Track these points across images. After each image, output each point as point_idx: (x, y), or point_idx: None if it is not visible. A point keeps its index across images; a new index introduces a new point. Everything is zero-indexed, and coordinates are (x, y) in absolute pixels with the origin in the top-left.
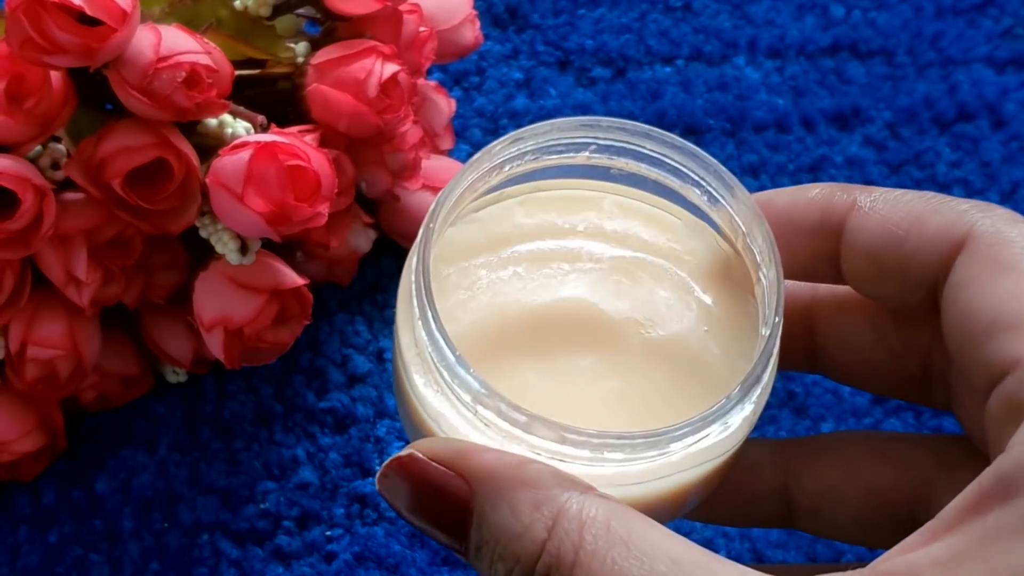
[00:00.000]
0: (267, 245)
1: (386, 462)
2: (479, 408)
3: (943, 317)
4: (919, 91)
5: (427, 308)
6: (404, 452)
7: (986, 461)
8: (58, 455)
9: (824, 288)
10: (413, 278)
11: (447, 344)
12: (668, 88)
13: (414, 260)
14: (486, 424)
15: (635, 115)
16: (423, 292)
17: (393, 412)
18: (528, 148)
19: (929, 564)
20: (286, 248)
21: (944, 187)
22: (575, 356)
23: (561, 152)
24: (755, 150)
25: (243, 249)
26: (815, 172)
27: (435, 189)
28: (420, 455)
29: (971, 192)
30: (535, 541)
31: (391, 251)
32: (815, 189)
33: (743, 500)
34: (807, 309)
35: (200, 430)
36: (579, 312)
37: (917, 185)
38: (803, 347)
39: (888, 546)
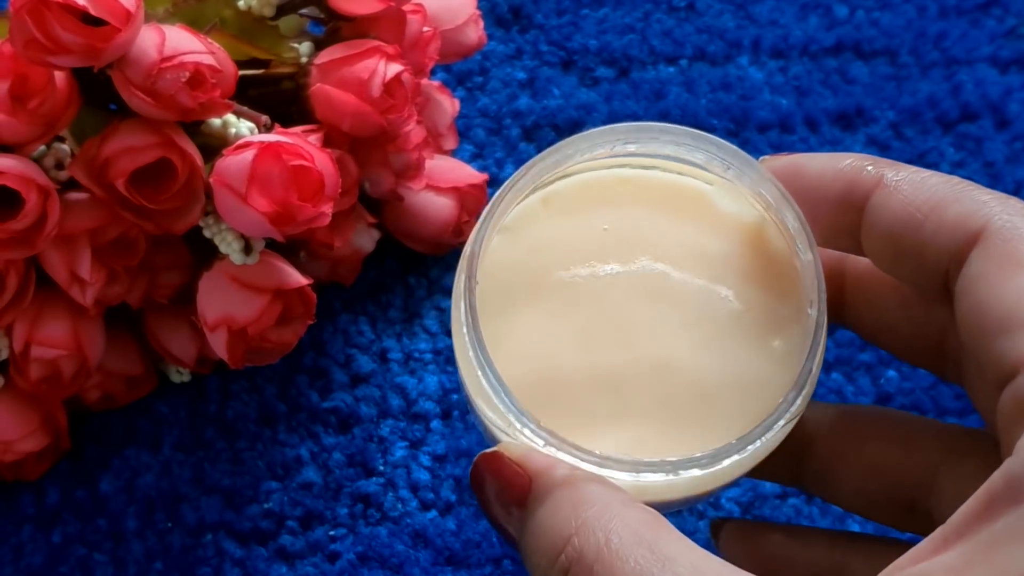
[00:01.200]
0: (271, 245)
1: (476, 457)
2: (552, 451)
3: (956, 308)
4: (923, 91)
5: (486, 366)
6: (491, 449)
7: (992, 452)
8: (62, 455)
9: None
10: (465, 331)
11: (512, 402)
12: (672, 88)
13: (462, 308)
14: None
15: (639, 115)
16: (479, 351)
17: (396, 411)
18: (547, 164)
19: (941, 572)
20: (290, 248)
21: None
22: (626, 372)
23: (583, 152)
24: (759, 150)
25: (247, 249)
26: None
27: (438, 189)
28: (503, 453)
29: None
30: (563, 536)
31: (395, 251)
32: (847, 159)
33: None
34: (840, 265)
35: (204, 430)
36: (620, 326)
37: None
38: (834, 302)
39: (884, 522)
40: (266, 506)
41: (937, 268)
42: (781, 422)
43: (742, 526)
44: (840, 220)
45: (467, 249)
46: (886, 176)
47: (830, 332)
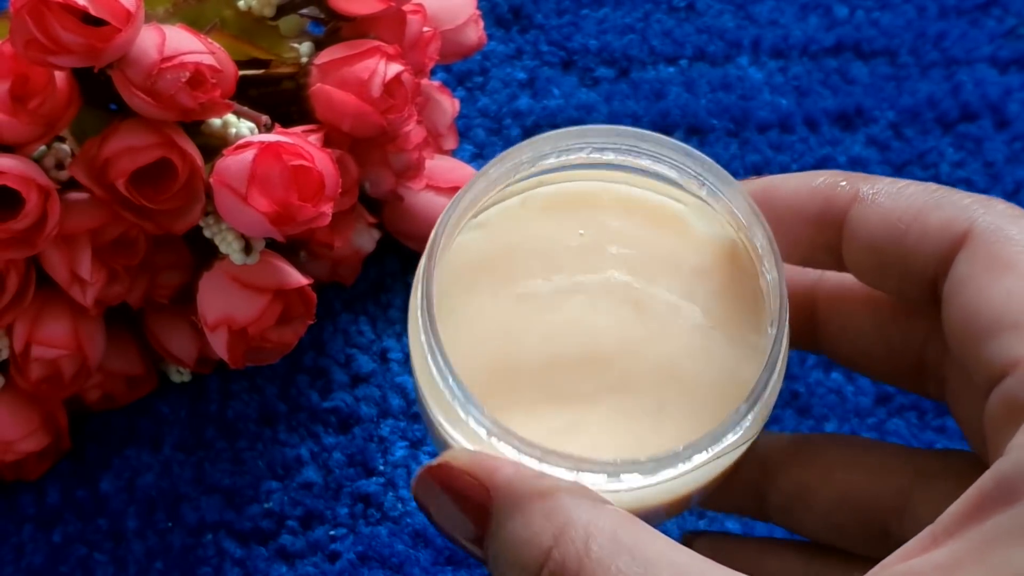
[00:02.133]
0: (271, 245)
1: (419, 469)
2: (493, 441)
3: (944, 314)
4: (922, 91)
5: (435, 348)
6: (436, 461)
7: (966, 473)
8: (62, 455)
9: (831, 273)
10: (419, 314)
11: (458, 385)
12: (672, 88)
13: (419, 291)
14: (503, 453)
15: (638, 115)
16: (430, 331)
17: (396, 411)
18: (524, 160)
19: (930, 569)
20: (290, 248)
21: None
22: (581, 377)
23: (558, 156)
24: (758, 150)
25: (247, 249)
26: None
27: (439, 189)
28: (451, 463)
29: (974, 192)
30: (541, 548)
31: (395, 251)
32: (819, 177)
33: (722, 489)
34: (812, 292)
35: (204, 430)
36: (582, 331)
37: None
38: (807, 328)
39: (856, 549)
40: (266, 506)
41: (923, 276)
42: (731, 435)
43: (714, 539)
44: (818, 238)
45: (432, 233)
46: (862, 190)
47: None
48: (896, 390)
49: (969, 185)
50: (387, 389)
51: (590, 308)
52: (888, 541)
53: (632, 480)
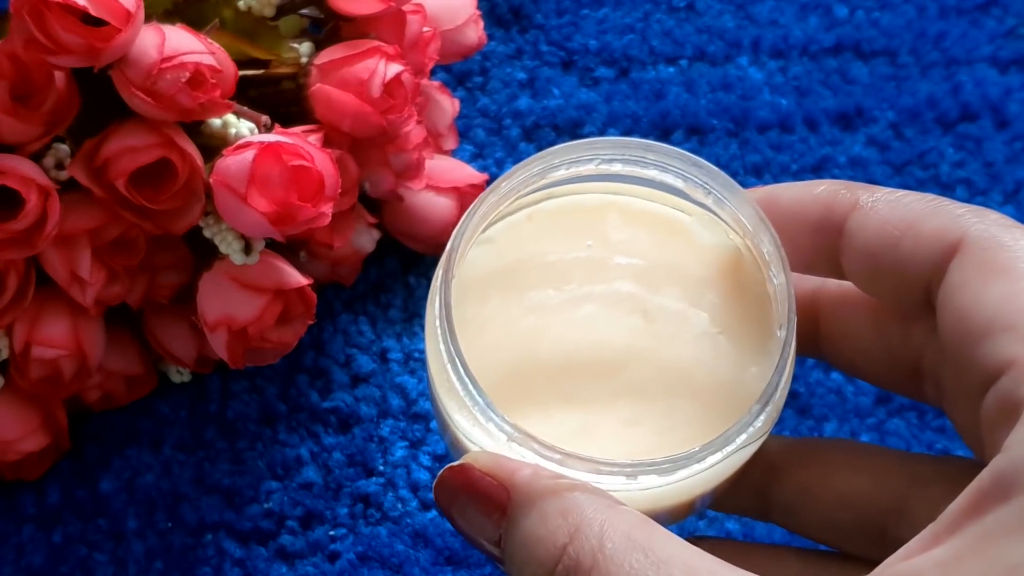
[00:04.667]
0: (271, 245)
1: (441, 471)
2: (513, 445)
3: (939, 318)
4: (922, 91)
5: (455, 356)
6: (456, 463)
7: (961, 476)
8: (62, 455)
9: (833, 281)
10: (438, 324)
11: (478, 392)
12: (672, 88)
13: (436, 302)
14: (522, 456)
15: (638, 115)
16: (449, 340)
17: (396, 411)
18: (535, 171)
19: (931, 566)
20: (290, 248)
21: (948, 187)
22: (594, 383)
23: (568, 168)
24: (759, 150)
25: (247, 249)
26: (818, 172)
27: (439, 189)
28: (471, 465)
29: (975, 192)
30: (556, 545)
31: (395, 251)
32: (820, 186)
33: (726, 491)
34: (813, 299)
35: (204, 430)
36: (594, 339)
37: (920, 185)
38: (808, 334)
39: (855, 550)
40: (266, 506)
41: (918, 283)
42: (743, 436)
43: (716, 546)
44: (818, 245)
45: (448, 246)
46: (861, 198)
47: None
48: None
49: (969, 185)
50: (387, 389)
51: (599, 317)
52: (886, 542)
53: (648, 481)
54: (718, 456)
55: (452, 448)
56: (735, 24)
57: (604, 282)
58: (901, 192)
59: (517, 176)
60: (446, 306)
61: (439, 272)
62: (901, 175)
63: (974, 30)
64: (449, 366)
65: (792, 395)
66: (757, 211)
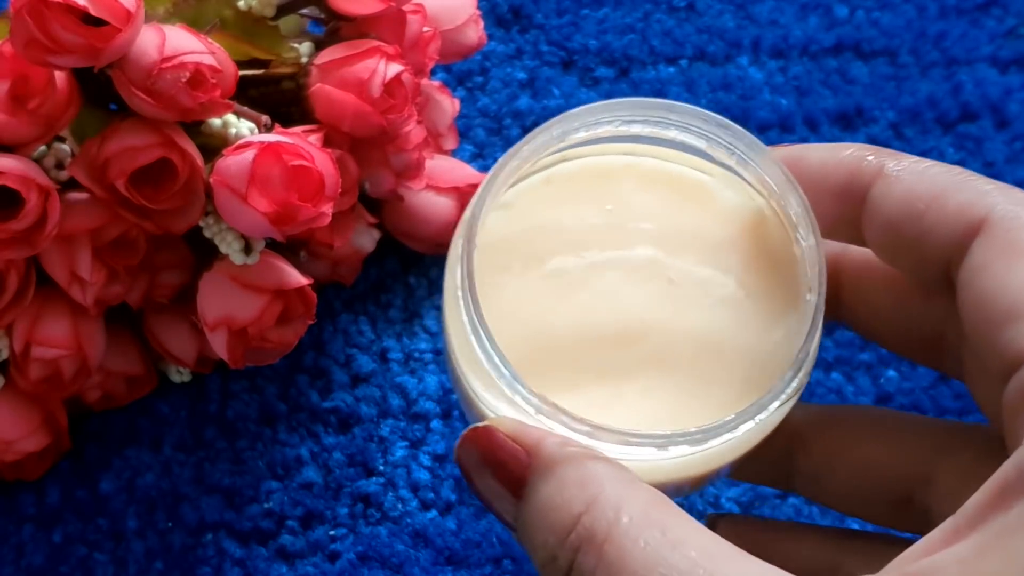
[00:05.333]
0: (271, 245)
1: (464, 432)
2: (542, 418)
3: (959, 298)
4: (922, 91)
5: (479, 328)
6: (481, 424)
7: (986, 444)
8: (62, 454)
9: (855, 246)
10: (460, 295)
11: (504, 364)
12: (672, 88)
13: (458, 273)
14: (549, 428)
15: None
16: (473, 312)
17: (396, 411)
18: (554, 135)
19: (953, 563)
20: (290, 248)
21: None
22: (620, 352)
23: (587, 129)
24: None
25: (247, 249)
26: None
27: (439, 189)
28: (496, 428)
29: None
30: (572, 514)
31: (395, 251)
32: (848, 149)
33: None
34: (836, 263)
35: (204, 430)
36: (617, 307)
37: None
38: (829, 299)
39: (880, 521)
40: (266, 506)
41: (939, 258)
42: (776, 403)
43: (738, 523)
44: (841, 210)
45: (466, 214)
46: (887, 166)
47: (829, 332)
48: (895, 390)
49: None
50: (387, 389)
51: (621, 283)
52: (912, 513)
53: (680, 451)
54: (750, 424)
55: (469, 415)
56: (735, 24)
57: (625, 247)
58: (929, 162)
59: (537, 139)
60: (469, 275)
61: (458, 241)
62: None
63: (974, 30)
64: (473, 338)
65: None
66: (784, 171)
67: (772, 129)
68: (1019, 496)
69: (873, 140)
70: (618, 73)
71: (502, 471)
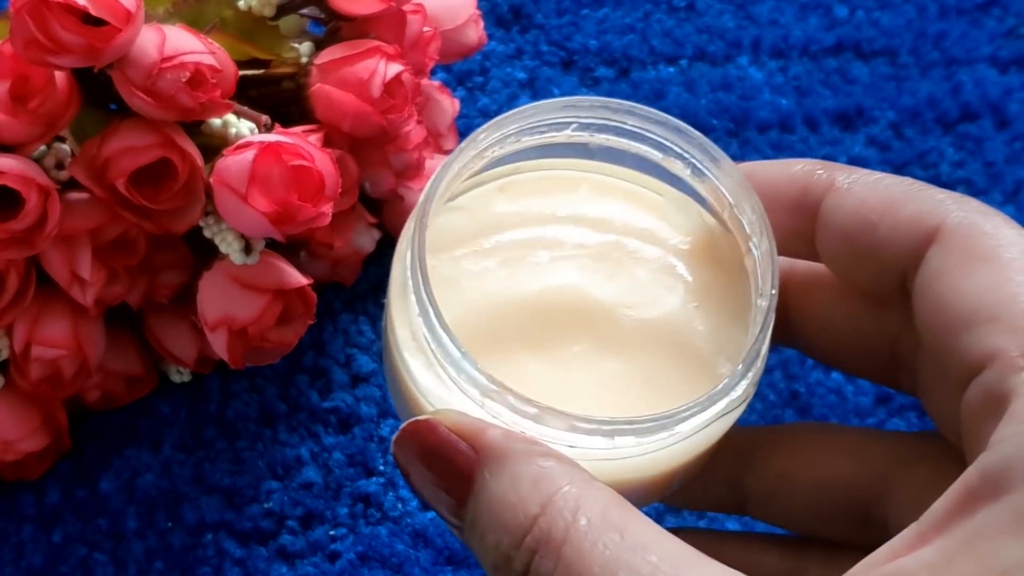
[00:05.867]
0: (271, 245)
1: (403, 425)
2: (487, 402)
3: (915, 307)
4: (923, 91)
5: (428, 305)
6: (420, 417)
7: (942, 455)
8: (62, 455)
9: (802, 263)
10: (410, 274)
11: (452, 341)
12: (672, 88)
13: (408, 255)
14: (494, 416)
15: None
16: (422, 288)
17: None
18: (511, 131)
19: (920, 568)
20: (290, 248)
21: (948, 187)
22: (569, 342)
23: (543, 132)
24: (759, 150)
25: (247, 249)
26: None
27: None
28: (437, 421)
29: (975, 192)
30: (527, 515)
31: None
32: (797, 165)
33: (697, 483)
34: (784, 279)
35: (204, 430)
36: (568, 298)
37: None
38: (779, 320)
39: (838, 537)
40: (266, 506)
41: (894, 269)
42: (725, 400)
43: (697, 536)
44: (794, 225)
45: (420, 198)
46: (837, 179)
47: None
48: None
49: (969, 185)
50: (387, 389)
51: (576, 286)
52: (870, 525)
53: (626, 442)
54: (698, 421)
55: (406, 414)
56: (735, 24)
57: (578, 252)
58: (880, 174)
59: (492, 133)
60: (419, 258)
61: (410, 224)
62: (901, 175)
63: (974, 30)
64: (421, 319)
65: (792, 395)
66: (740, 178)
67: (772, 129)
68: (985, 500)
69: (873, 140)
70: (618, 73)
71: (446, 467)
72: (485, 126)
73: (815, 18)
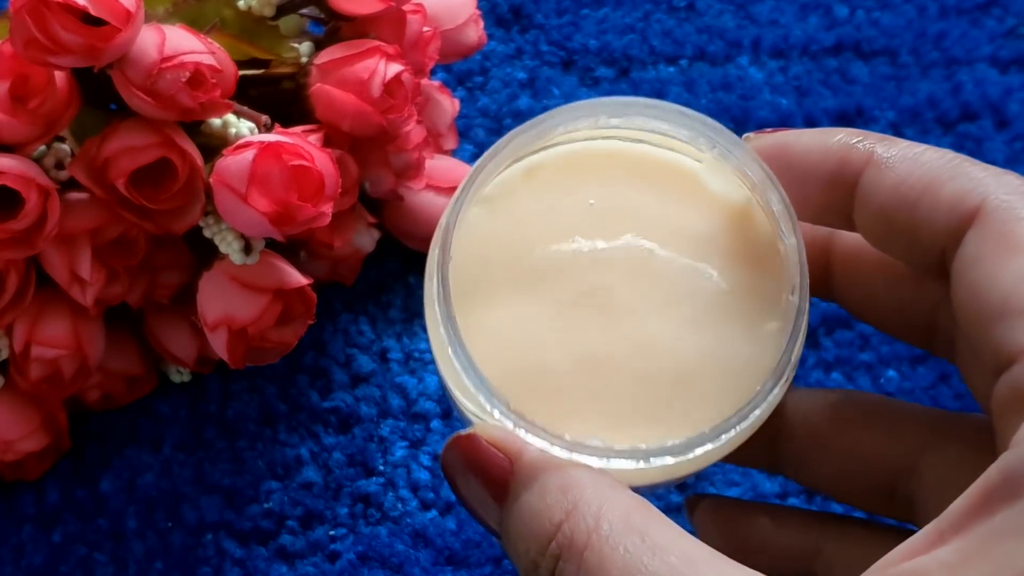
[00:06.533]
0: (271, 245)
1: (449, 438)
2: (520, 432)
3: (952, 290)
4: (923, 91)
5: (455, 344)
6: (465, 431)
7: (974, 436)
8: (62, 454)
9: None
10: (436, 307)
11: (479, 379)
12: (672, 88)
13: (435, 283)
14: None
15: None
16: (449, 325)
17: (396, 411)
18: (530, 135)
19: (937, 567)
20: (290, 248)
21: None
22: (605, 344)
23: (566, 125)
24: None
25: (247, 249)
26: None
27: (439, 189)
28: (480, 436)
29: None
30: (552, 521)
31: (395, 251)
32: (836, 135)
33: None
34: (827, 245)
35: (204, 430)
36: (602, 297)
37: None
38: (822, 280)
39: (863, 507)
40: (266, 506)
41: (932, 248)
42: (757, 411)
43: (718, 504)
44: (831, 199)
45: (442, 221)
46: (877, 152)
47: (829, 331)
48: (895, 390)
49: None
50: (387, 389)
51: (607, 284)
52: (896, 501)
53: (662, 461)
54: (731, 433)
55: (459, 417)
56: (735, 24)
57: (609, 239)
58: (921, 147)
59: (514, 142)
60: (443, 286)
61: (435, 250)
62: None
63: (974, 30)
64: (450, 350)
65: None
66: (764, 168)
67: None
68: (1004, 502)
69: None
70: (618, 73)
71: (485, 478)
72: (504, 138)
73: (815, 18)
